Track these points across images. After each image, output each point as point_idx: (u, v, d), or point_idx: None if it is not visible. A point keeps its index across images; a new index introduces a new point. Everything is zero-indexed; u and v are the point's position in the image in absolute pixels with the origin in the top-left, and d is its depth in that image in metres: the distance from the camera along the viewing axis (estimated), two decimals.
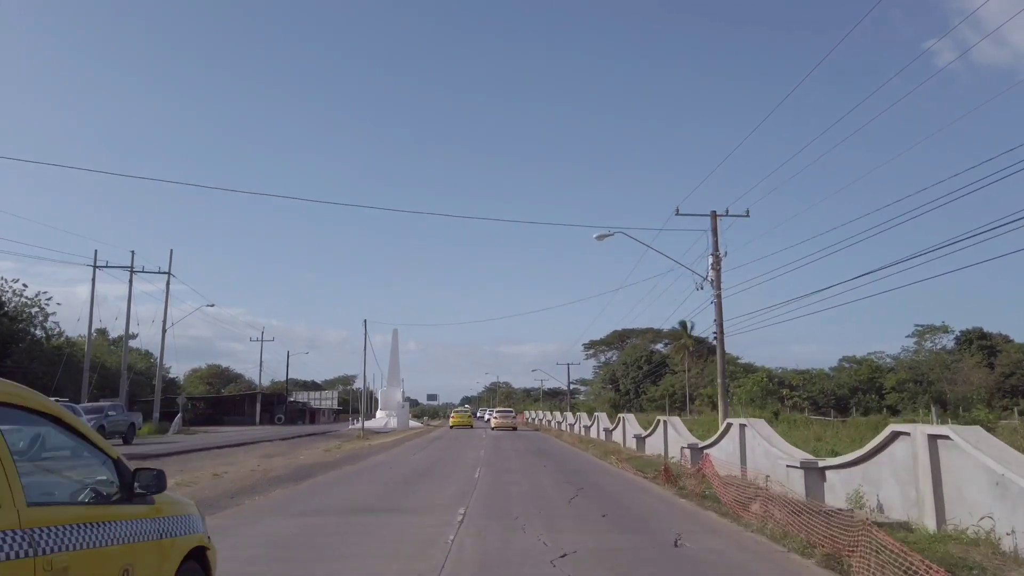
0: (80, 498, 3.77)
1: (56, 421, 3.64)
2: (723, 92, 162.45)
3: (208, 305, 55.58)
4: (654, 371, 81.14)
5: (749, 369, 68.28)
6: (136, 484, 4.12)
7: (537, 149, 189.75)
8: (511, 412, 60.62)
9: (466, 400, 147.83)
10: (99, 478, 3.98)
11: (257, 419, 71.36)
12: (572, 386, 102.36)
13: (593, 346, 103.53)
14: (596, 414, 43.09)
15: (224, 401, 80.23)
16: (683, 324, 68.05)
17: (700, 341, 65.54)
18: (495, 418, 55.69)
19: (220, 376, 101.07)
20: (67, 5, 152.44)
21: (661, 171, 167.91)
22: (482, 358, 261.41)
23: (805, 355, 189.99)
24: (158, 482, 4.22)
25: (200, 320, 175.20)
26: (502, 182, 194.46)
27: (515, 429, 53.46)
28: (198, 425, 56.78)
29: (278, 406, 77.45)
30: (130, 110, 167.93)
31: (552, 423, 62.63)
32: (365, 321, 52.39)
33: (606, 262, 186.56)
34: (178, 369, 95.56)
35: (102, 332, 59.83)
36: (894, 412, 48.41)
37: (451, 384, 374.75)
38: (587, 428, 43.36)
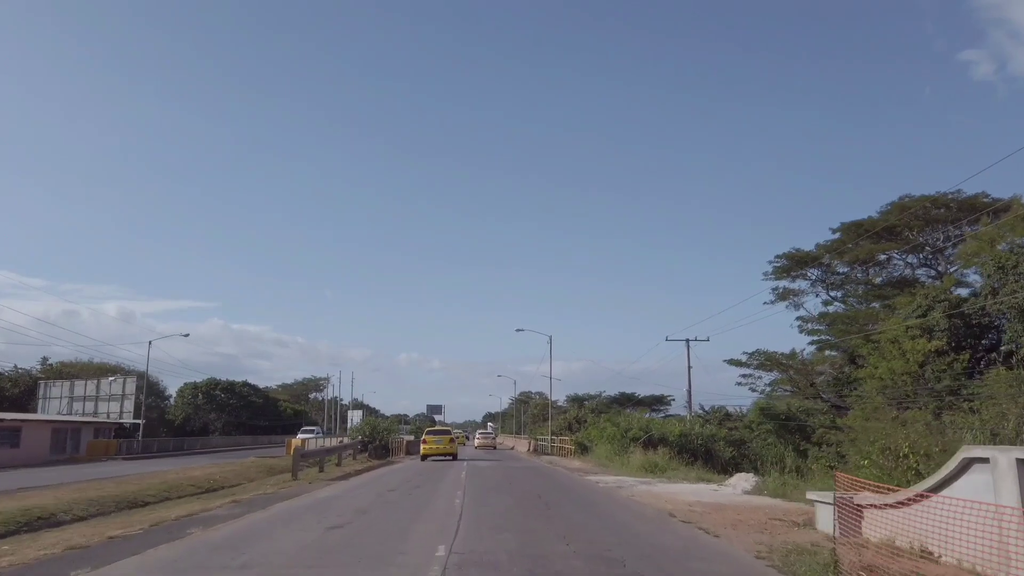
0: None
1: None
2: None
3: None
4: None
5: None
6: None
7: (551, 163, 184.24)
8: (491, 434, 74.09)
9: (489, 417, 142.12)
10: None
11: None
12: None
13: (797, 262, 43.67)
14: None
15: None
16: None
17: None
18: (478, 439, 65.80)
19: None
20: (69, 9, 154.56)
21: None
22: (506, 375, 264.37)
23: None
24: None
25: (226, 338, 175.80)
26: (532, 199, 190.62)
27: (495, 448, 62.41)
28: None
29: None
30: (129, 116, 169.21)
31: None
32: None
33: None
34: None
35: None
36: None
37: (477, 403, 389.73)
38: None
